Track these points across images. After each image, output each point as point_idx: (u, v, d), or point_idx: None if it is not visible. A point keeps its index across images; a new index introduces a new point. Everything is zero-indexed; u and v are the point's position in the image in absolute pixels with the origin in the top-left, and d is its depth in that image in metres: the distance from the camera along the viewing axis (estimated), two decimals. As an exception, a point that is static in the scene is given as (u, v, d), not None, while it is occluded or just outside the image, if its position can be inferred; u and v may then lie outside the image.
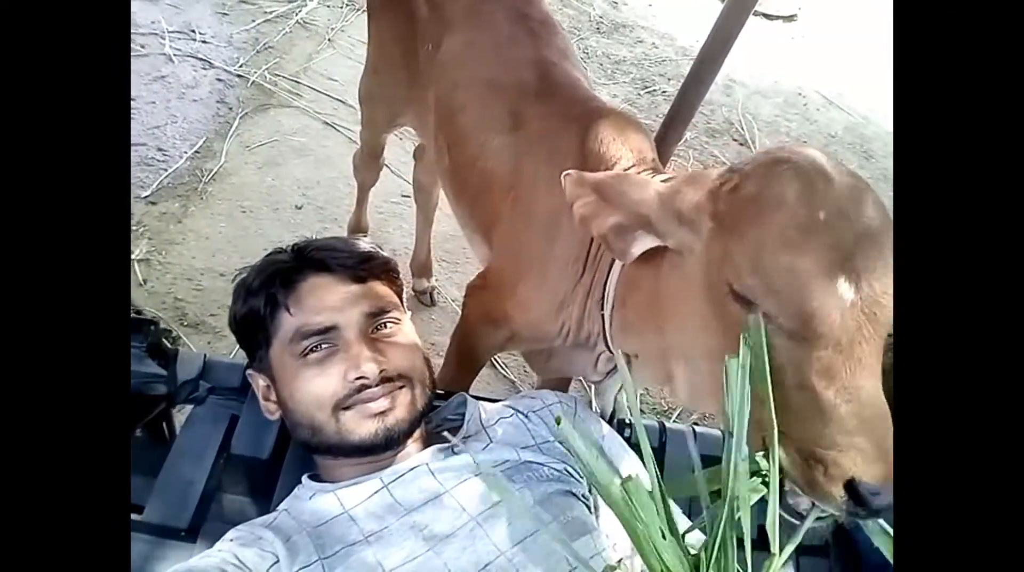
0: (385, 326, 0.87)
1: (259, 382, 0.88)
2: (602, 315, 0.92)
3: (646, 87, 3.20)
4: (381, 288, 0.90)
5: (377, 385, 0.81)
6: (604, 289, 0.92)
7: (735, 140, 3.04)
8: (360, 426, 0.81)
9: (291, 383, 0.83)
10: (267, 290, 0.85)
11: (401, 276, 0.97)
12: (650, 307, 0.81)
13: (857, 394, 0.57)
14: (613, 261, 0.89)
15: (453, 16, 1.23)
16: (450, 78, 1.23)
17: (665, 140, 1.65)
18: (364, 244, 0.93)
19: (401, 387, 0.83)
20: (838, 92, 3.48)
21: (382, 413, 0.81)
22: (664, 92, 3.13)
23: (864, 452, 0.57)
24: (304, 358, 0.82)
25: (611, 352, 0.96)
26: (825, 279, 0.57)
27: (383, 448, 0.82)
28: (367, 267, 0.89)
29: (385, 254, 0.95)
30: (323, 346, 0.82)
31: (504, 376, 1.95)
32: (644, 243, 0.75)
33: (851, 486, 0.57)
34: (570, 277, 0.97)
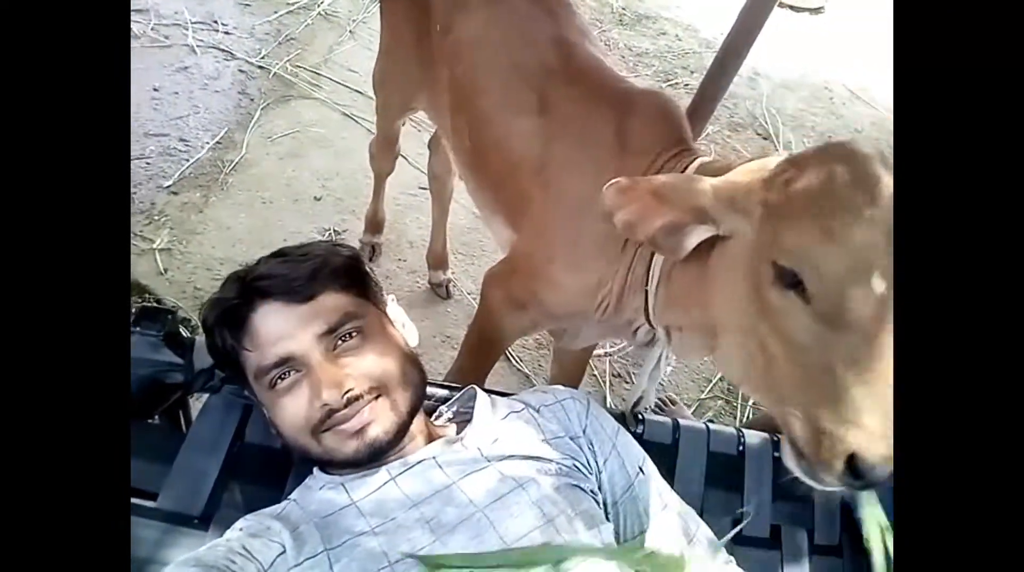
0: (349, 336, 0.83)
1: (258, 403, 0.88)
2: (645, 291, 0.94)
3: (668, 80, 3.16)
4: (334, 300, 0.84)
5: (346, 407, 0.79)
6: (649, 266, 0.94)
7: (758, 134, 3.00)
8: (342, 445, 0.80)
9: (271, 411, 0.83)
10: (220, 331, 0.84)
11: (367, 272, 0.92)
12: (698, 285, 0.84)
13: (875, 381, 0.61)
14: None
15: None
16: (468, 59, 1.21)
17: (686, 133, 1.63)
18: (314, 252, 0.87)
19: (377, 397, 0.81)
20: (865, 86, 3.41)
21: (360, 431, 0.79)
22: (687, 85, 3.09)
23: (870, 431, 0.61)
24: (274, 389, 0.81)
25: (652, 326, 0.98)
26: (861, 271, 0.62)
27: (369, 461, 0.81)
28: (314, 283, 0.83)
29: (341, 254, 0.90)
30: (288, 374, 0.80)
31: (518, 369, 1.95)
32: (698, 235, 0.78)
33: (851, 460, 0.62)
34: (608, 256, 0.98)
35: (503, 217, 1.21)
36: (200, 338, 1.01)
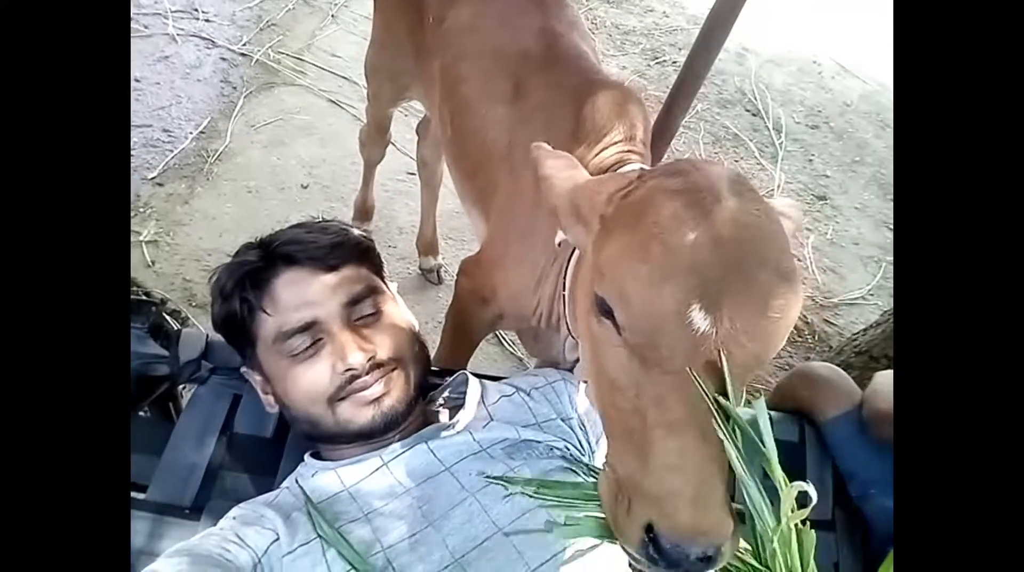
0: (367, 311, 0.85)
1: (255, 378, 0.87)
2: (563, 296, 0.89)
3: (656, 58, 3.13)
4: (356, 272, 0.86)
5: (367, 373, 0.80)
6: (566, 266, 0.89)
7: (747, 111, 2.98)
8: (357, 415, 0.80)
9: (283, 381, 0.82)
10: (240, 293, 0.83)
11: (378, 254, 0.94)
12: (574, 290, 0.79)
13: (688, 432, 0.52)
14: None
15: None
16: (456, 48, 1.21)
17: (672, 111, 1.62)
18: (334, 227, 0.90)
19: (393, 369, 0.83)
20: (854, 60, 3.39)
21: (377, 399, 0.81)
22: (674, 62, 3.07)
23: (676, 497, 0.51)
24: (291, 357, 0.81)
25: (575, 339, 0.93)
26: (677, 301, 0.52)
27: (383, 432, 0.82)
28: (338, 254, 0.85)
29: (357, 233, 0.92)
30: (308, 342, 0.81)
31: (512, 353, 1.94)
32: (560, 231, 0.72)
33: (649, 531, 0.53)
34: (549, 253, 0.94)
35: (479, 208, 1.20)
36: (186, 330, 1.01)
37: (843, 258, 2.48)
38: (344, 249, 0.87)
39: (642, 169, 0.68)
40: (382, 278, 0.93)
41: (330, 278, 0.83)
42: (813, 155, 2.86)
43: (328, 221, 0.93)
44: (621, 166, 0.90)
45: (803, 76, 3.25)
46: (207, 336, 0.99)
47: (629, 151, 0.93)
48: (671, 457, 0.52)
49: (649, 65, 3.09)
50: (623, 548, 0.56)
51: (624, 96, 1.00)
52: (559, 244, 0.83)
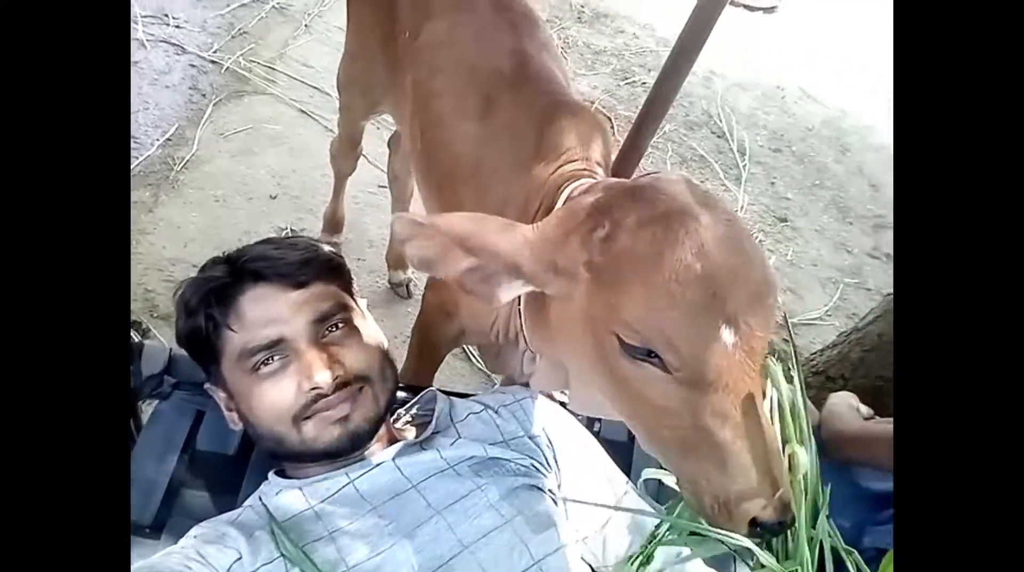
0: (336, 328, 0.84)
1: (219, 395, 0.86)
2: (519, 311, 0.90)
3: (626, 78, 3.20)
4: (325, 289, 0.86)
5: (334, 392, 0.79)
6: None
7: (713, 133, 3.06)
8: (323, 434, 0.80)
9: (247, 398, 0.81)
10: (205, 309, 0.82)
11: (348, 270, 0.94)
12: (543, 328, 0.80)
13: (751, 432, 0.61)
14: None
15: (435, 4, 1.23)
16: (429, 63, 1.22)
17: (641, 130, 1.66)
18: (303, 244, 0.89)
19: (360, 388, 0.82)
20: (816, 85, 3.51)
21: (343, 418, 0.80)
22: (644, 83, 3.13)
23: (762, 490, 0.61)
24: (256, 373, 0.80)
25: (533, 353, 0.95)
26: (711, 328, 0.60)
27: (349, 450, 0.82)
28: (307, 271, 0.85)
29: (327, 250, 0.91)
30: (274, 359, 0.80)
31: (480, 369, 1.95)
32: (514, 289, 0.72)
33: (753, 523, 0.62)
34: None
35: None
36: (149, 343, 0.99)
37: (802, 279, 2.56)
38: (313, 266, 0.86)
39: (594, 189, 0.70)
40: (352, 295, 0.92)
41: (298, 295, 0.83)
42: (775, 178, 2.95)
43: (297, 237, 0.93)
44: (574, 180, 0.91)
45: (767, 101, 3.35)
46: (170, 350, 0.98)
47: (583, 169, 0.95)
48: (748, 459, 0.61)
49: (619, 85, 3.15)
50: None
51: (586, 118, 1.03)
52: (519, 300, 0.85)
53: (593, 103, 2.98)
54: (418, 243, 0.70)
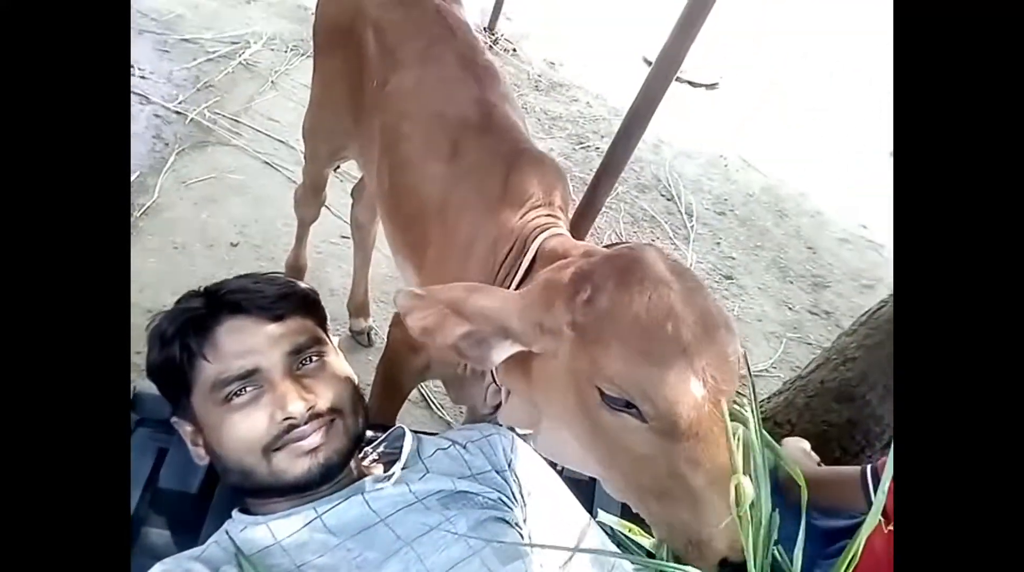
0: (310, 360, 0.86)
1: (185, 428, 0.86)
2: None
3: (581, 143, 3.37)
4: (301, 323, 0.88)
5: (306, 423, 0.80)
6: None
7: (663, 195, 3.23)
8: (293, 465, 0.80)
9: (217, 429, 0.81)
10: (182, 338, 0.83)
11: (323, 308, 0.97)
12: (524, 380, 0.83)
13: (719, 473, 0.66)
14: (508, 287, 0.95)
15: (404, 57, 1.31)
16: (398, 108, 1.29)
17: (596, 191, 1.75)
18: (281, 280, 0.92)
19: (332, 420, 0.83)
20: (756, 155, 3.77)
21: (314, 450, 0.81)
22: (597, 148, 3.31)
23: (731, 530, 0.66)
24: (228, 404, 0.81)
25: (498, 385, 1.00)
26: (683, 383, 0.66)
27: (318, 483, 0.82)
28: (284, 305, 0.87)
29: (303, 286, 0.94)
30: (247, 389, 0.81)
31: (440, 417, 1.95)
32: (504, 350, 0.79)
33: (723, 562, 0.67)
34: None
35: (412, 262, 1.26)
36: (113, 380, 0.98)
37: (748, 333, 2.68)
38: (291, 300, 0.88)
39: (580, 268, 0.76)
40: (326, 331, 0.95)
41: (275, 328, 0.85)
42: (720, 238, 3.12)
43: (275, 274, 0.95)
44: (543, 230, 1.00)
45: (711, 168, 3.58)
46: (134, 387, 0.97)
47: (549, 216, 1.04)
48: (718, 501, 0.66)
49: (574, 149, 3.31)
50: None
51: (547, 166, 1.12)
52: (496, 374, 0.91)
53: (550, 164, 3.12)
54: (418, 314, 0.78)
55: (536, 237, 0.97)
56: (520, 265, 0.96)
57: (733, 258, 3.03)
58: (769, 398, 1.92)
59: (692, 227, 3.09)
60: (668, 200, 3.21)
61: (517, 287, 0.95)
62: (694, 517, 0.67)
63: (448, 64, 1.28)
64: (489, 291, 0.81)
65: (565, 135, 3.39)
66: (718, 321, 0.70)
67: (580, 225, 1.81)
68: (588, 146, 3.35)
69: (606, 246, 1.05)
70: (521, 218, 1.01)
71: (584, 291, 0.72)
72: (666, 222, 3.06)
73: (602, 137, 3.40)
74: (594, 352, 0.69)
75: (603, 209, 2.94)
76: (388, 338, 1.26)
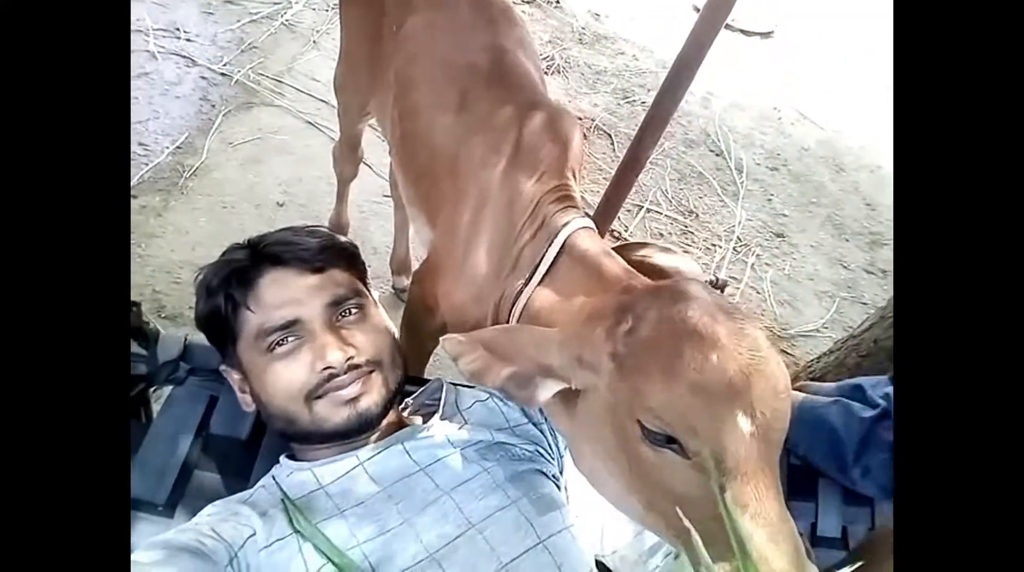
0: (349, 313, 0.87)
1: (233, 376, 0.89)
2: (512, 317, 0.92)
3: (626, 97, 3.27)
4: (341, 276, 0.89)
5: (345, 373, 0.82)
6: (513, 305, 0.92)
7: (711, 150, 3.12)
8: (333, 413, 0.82)
9: (261, 377, 0.84)
10: (225, 289, 0.85)
11: (363, 261, 0.98)
12: (564, 413, 0.80)
13: (768, 516, 0.61)
14: (528, 281, 0.91)
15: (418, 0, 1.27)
16: (407, 54, 1.25)
17: (641, 144, 1.70)
18: (321, 232, 0.93)
19: (371, 371, 0.85)
20: (811, 107, 3.59)
21: (354, 399, 0.83)
22: (643, 103, 3.20)
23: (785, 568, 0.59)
24: (271, 353, 0.83)
25: None
26: (729, 416, 0.62)
27: (358, 432, 0.84)
28: (324, 257, 0.88)
29: (342, 239, 0.95)
30: (289, 339, 0.83)
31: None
32: (549, 388, 0.76)
33: None
34: (491, 268, 0.97)
35: (424, 214, 1.22)
36: (165, 332, 1.02)
37: (799, 293, 2.59)
38: (330, 252, 0.90)
39: (621, 301, 0.72)
40: (365, 284, 0.96)
41: (315, 279, 0.86)
42: (772, 195, 3.00)
43: (316, 226, 0.96)
44: (565, 212, 0.94)
45: (763, 121, 3.42)
46: (185, 338, 1.00)
47: (563, 186, 0.97)
48: (771, 547, 0.60)
49: (620, 104, 3.22)
50: None
51: (561, 120, 1.05)
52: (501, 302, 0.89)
53: (594, 121, 3.04)
54: (466, 358, 0.77)
55: (563, 227, 0.92)
56: (545, 256, 0.91)
57: (785, 215, 2.92)
58: (819, 358, 1.87)
59: (742, 183, 2.98)
60: (717, 155, 3.10)
61: (542, 280, 0.91)
62: (744, 561, 0.61)
63: (461, 7, 1.22)
64: (528, 330, 0.79)
65: (610, 90, 3.29)
66: (767, 356, 0.65)
67: (623, 179, 1.77)
68: (634, 101, 3.24)
69: (621, 245, 1.00)
70: (535, 182, 0.97)
71: (625, 321, 0.68)
72: (714, 178, 2.96)
73: (648, 91, 3.29)
74: (635, 382, 0.65)
75: (648, 166, 2.87)
76: (408, 295, 1.25)
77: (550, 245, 0.91)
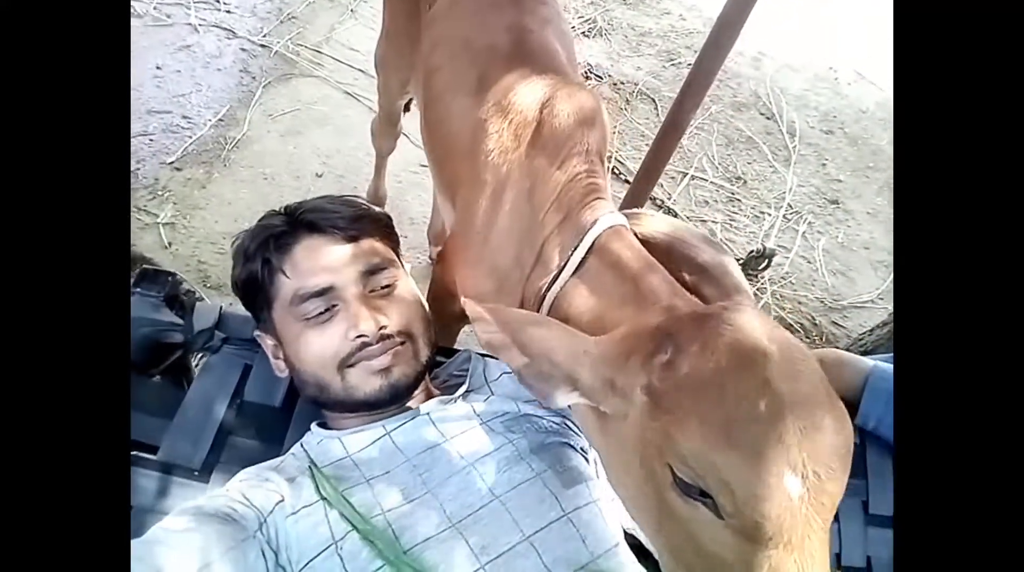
0: (382, 283, 0.88)
1: (267, 342, 0.90)
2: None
3: (671, 59, 3.15)
4: (375, 245, 0.90)
5: (377, 342, 0.82)
6: (542, 300, 0.86)
7: (762, 114, 2.98)
8: (365, 383, 0.83)
9: (295, 343, 0.85)
10: (262, 255, 0.86)
11: (396, 232, 0.97)
12: (595, 421, 0.73)
13: None
14: (558, 275, 0.84)
15: None
16: (432, 39, 1.22)
17: (682, 108, 1.63)
18: (356, 202, 0.93)
19: (402, 343, 0.85)
20: (870, 67, 3.38)
21: (385, 369, 0.83)
22: (689, 65, 3.07)
23: None
24: (305, 320, 0.84)
25: None
26: (773, 475, 0.53)
27: (388, 403, 0.84)
28: (359, 226, 0.89)
29: (377, 210, 0.95)
30: (323, 306, 0.83)
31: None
32: (570, 398, 0.69)
33: None
34: (512, 259, 0.91)
35: (448, 199, 1.18)
36: (200, 302, 1.03)
37: (853, 262, 2.48)
38: (365, 222, 0.90)
39: (662, 322, 0.65)
40: (398, 255, 0.95)
41: (349, 248, 0.87)
42: (827, 160, 2.86)
43: (352, 196, 0.96)
44: (588, 200, 0.88)
45: (819, 82, 3.25)
46: (220, 307, 1.02)
47: (589, 173, 0.90)
48: None
49: (664, 67, 3.10)
50: None
51: (585, 100, 0.97)
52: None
53: (637, 85, 2.94)
54: (485, 327, 0.72)
55: (592, 226, 0.85)
56: (572, 257, 0.84)
57: (840, 181, 2.78)
58: (871, 330, 1.79)
59: (794, 148, 2.85)
60: (768, 119, 2.96)
61: (565, 283, 0.85)
62: None
63: None
64: (559, 332, 0.70)
65: (654, 52, 3.17)
66: (827, 404, 0.57)
67: (664, 145, 1.71)
68: (679, 63, 3.12)
69: (655, 241, 0.89)
70: (558, 169, 0.91)
71: (664, 352, 0.61)
72: (764, 143, 2.84)
73: (694, 52, 3.15)
74: (668, 424, 0.58)
75: (693, 131, 2.77)
76: (432, 274, 1.22)
77: (577, 246, 0.84)
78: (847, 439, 0.57)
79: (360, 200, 0.95)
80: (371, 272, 0.87)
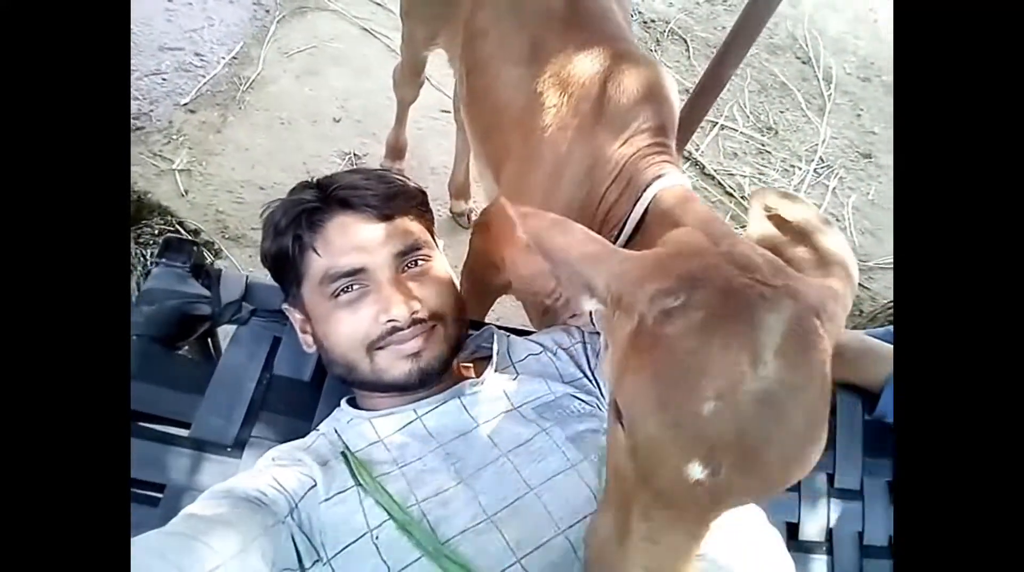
0: (416, 264, 0.85)
1: (296, 316, 0.89)
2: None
3: (711, -6, 2.97)
4: (410, 225, 0.87)
5: (409, 327, 0.81)
6: None
7: (797, 58, 2.84)
8: (394, 366, 0.82)
9: (324, 323, 0.83)
10: (294, 230, 0.84)
11: (431, 209, 0.94)
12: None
13: (656, 547, 0.55)
14: (617, 236, 0.81)
15: None
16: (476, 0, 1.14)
17: (725, 59, 1.54)
18: (391, 178, 0.90)
19: (433, 326, 0.83)
20: (917, 6, 3.18)
21: (415, 354, 0.82)
22: (725, 3, 2.91)
23: None
24: (335, 299, 0.82)
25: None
26: (679, 459, 0.51)
27: (417, 386, 0.83)
28: (394, 205, 0.86)
29: (414, 185, 0.92)
30: (353, 287, 0.82)
31: (539, 301, 1.94)
32: (591, 304, 0.66)
33: None
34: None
35: (491, 171, 1.13)
36: (227, 271, 1.01)
37: (882, 220, 2.41)
38: (400, 200, 0.87)
39: (692, 271, 0.58)
40: (432, 234, 0.92)
41: (383, 227, 0.84)
42: (862, 110, 2.74)
43: (387, 170, 0.93)
44: (655, 173, 0.82)
45: (859, 24, 3.07)
46: (247, 278, 1.00)
47: (656, 145, 0.84)
48: (642, 560, 0.55)
49: (698, 3, 2.93)
50: None
51: (651, 75, 0.91)
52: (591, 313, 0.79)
53: (668, 23, 2.79)
54: (530, 224, 0.65)
55: (650, 185, 0.80)
56: (630, 217, 0.80)
57: (874, 134, 2.67)
58: (901, 299, 1.75)
59: (829, 96, 2.72)
60: (804, 63, 2.82)
61: (625, 244, 0.82)
62: (618, 542, 0.58)
63: None
64: (581, 236, 0.66)
65: (690, -15, 2.99)
66: (785, 447, 0.51)
67: (699, 104, 1.62)
68: (714, 0, 2.95)
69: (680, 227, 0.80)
70: (623, 145, 0.85)
71: (676, 297, 0.55)
72: (799, 89, 2.71)
73: (732, -12, 2.98)
74: (634, 356, 0.56)
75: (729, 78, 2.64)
76: (471, 242, 1.19)
77: (636, 203, 0.79)
78: (788, 482, 0.53)
79: (395, 175, 0.92)
80: (404, 253, 0.84)
